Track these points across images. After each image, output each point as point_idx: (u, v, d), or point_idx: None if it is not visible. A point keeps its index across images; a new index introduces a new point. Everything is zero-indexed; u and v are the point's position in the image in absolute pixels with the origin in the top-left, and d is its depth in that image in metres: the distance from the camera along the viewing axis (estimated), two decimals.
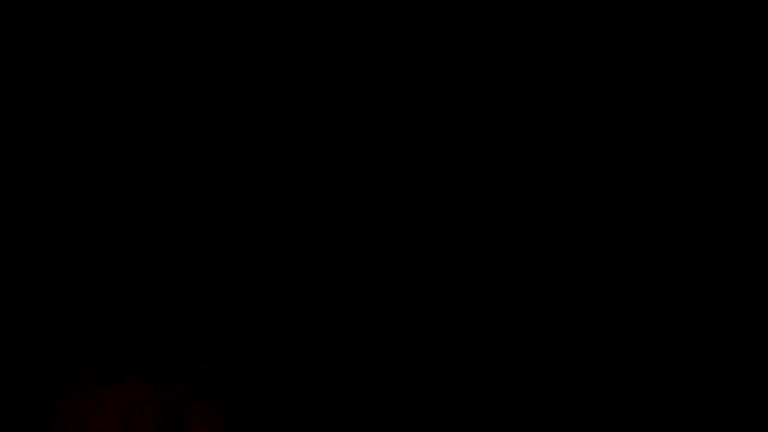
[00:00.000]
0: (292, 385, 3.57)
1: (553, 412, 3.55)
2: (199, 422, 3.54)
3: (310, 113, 3.70)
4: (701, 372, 3.52)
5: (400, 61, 3.69)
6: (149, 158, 3.67)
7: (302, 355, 3.60)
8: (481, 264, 3.64)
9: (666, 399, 3.52)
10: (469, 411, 3.58)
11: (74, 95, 3.67)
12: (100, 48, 3.67)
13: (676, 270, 3.57)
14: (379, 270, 3.65)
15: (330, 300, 3.64)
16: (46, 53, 3.66)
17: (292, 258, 3.66)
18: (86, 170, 3.66)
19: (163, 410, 3.54)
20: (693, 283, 3.56)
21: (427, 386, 3.58)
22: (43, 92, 3.67)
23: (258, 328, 3.61)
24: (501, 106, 3.66)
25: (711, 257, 3.56)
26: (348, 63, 3.69)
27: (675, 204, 3.59)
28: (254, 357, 3.59)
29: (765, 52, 3.52)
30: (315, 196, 3.69)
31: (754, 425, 3.47)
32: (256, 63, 3.70)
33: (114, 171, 3.66)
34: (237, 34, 3.69)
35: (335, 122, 3.70)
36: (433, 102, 3.69)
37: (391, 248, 3.66)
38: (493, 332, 3.62)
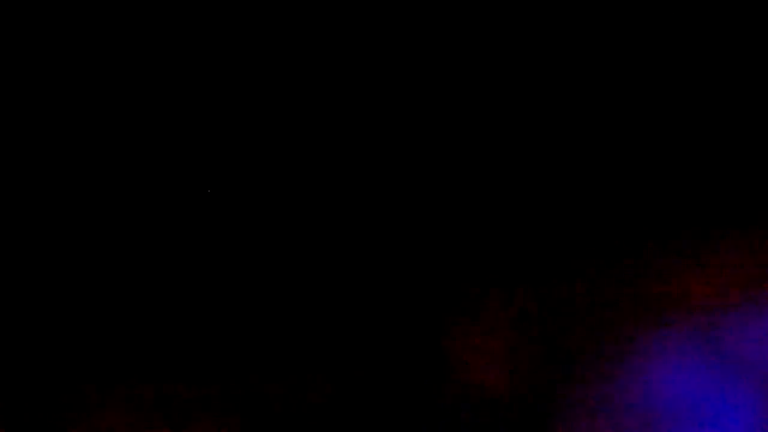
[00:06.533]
0: (294, 387, 3.58)
1: None
2: (200, 423, 3.56)
3: (310, 113, 3.71)
4: None
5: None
6: (149, 158, 3.68)
7: (305, 355, 3.62)
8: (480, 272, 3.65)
9: None
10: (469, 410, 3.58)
11: (73, 95, 3.68)
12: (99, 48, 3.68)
13: None
14: (381, 273, 3.67)
15: (333, 303, 3.65)
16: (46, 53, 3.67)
17: (294, 259, 3.67)
18: (87, 171, 3.67)
19: (165, 411, 3.55)
20: None
21: (430, 391, 3.59)
22: (42, 91, 3.67)
23: (260, 328, 3.63)
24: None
25: None
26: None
27: None
28: (255, 357, 3.60)
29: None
30: (315, 201, 3.70)
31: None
32: (256, 63, 3.71)
33: (115, 171, 3.67)
34: (237, 35, 3.70)
35: (335, 122, 3.71)
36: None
37: (392, 255, 3.67)
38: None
